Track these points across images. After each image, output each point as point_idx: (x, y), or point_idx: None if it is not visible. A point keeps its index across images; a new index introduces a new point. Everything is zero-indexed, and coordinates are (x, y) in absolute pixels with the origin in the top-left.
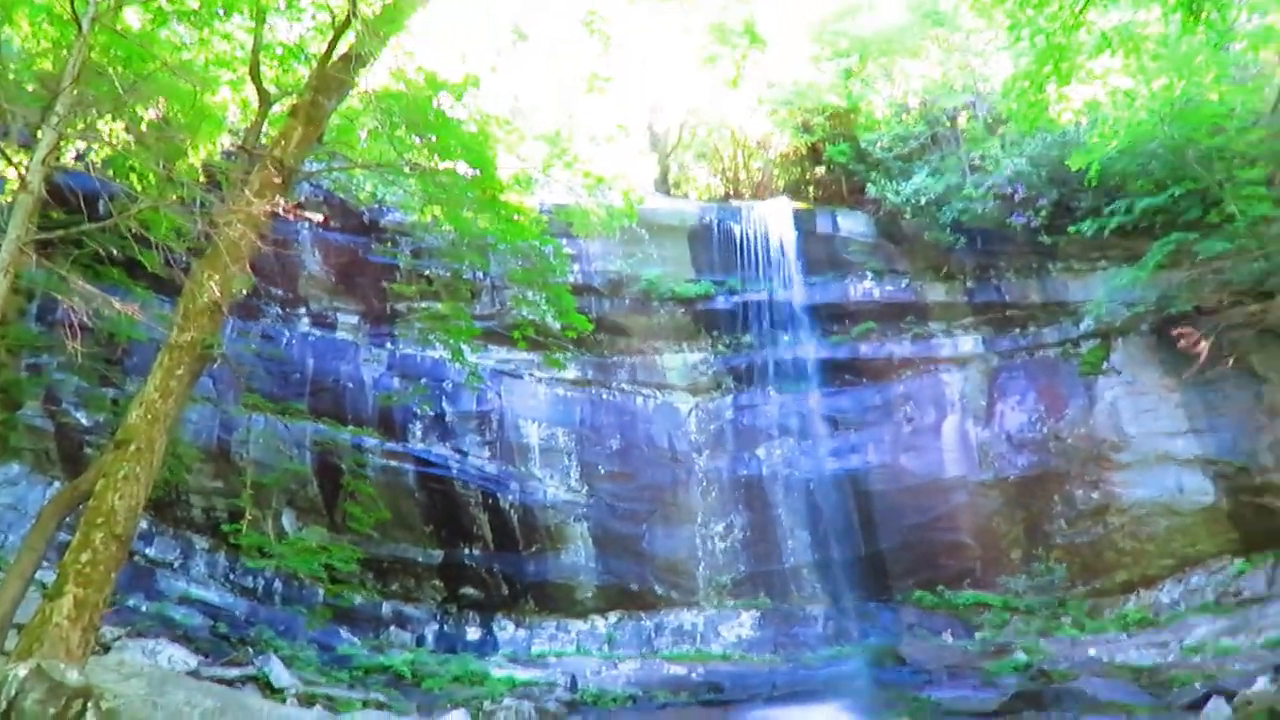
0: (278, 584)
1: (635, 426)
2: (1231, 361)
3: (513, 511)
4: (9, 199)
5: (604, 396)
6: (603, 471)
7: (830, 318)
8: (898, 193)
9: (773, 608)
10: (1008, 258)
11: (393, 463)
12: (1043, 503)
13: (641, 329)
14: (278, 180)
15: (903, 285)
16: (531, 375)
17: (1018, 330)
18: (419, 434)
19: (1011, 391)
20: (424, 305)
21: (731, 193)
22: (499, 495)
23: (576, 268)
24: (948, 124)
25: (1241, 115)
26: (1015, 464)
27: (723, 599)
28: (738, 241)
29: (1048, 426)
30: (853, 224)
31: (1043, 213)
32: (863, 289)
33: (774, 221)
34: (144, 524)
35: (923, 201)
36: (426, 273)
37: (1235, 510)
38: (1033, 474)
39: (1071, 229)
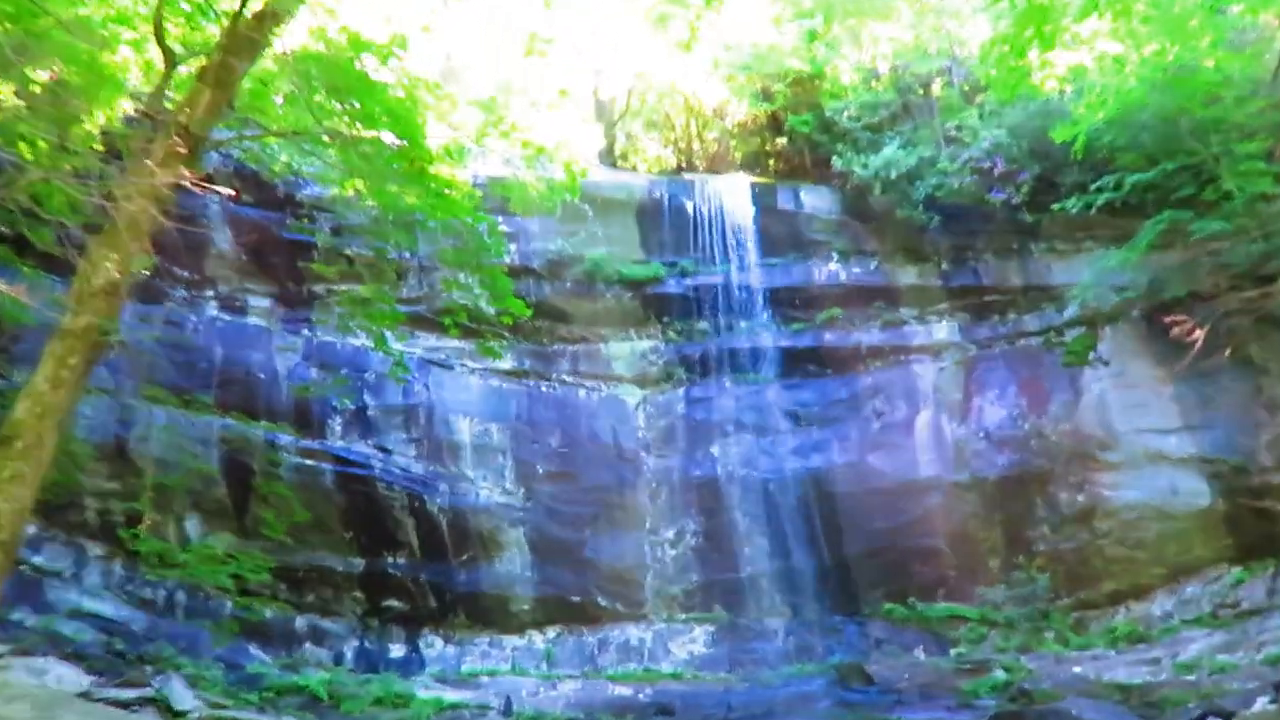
0: (180, 596)
1: (577, 422)
2: (1229, 352)
3: (441, 515)
4: None
5: (543, 389)
6: (541, 471)
7: (792, 303)
8: (866, 166)
9: (728, 621)
10: (986, 237)
11: (309, 461)
12: (1024, 506)
13: (585, 315)
14: (183, 149)
15: (871, 267)
16: (463, 365)
17: (997, 317)
18: (338, 430)
19: (990, 384)
20: (344, 288)
21: (684, 165)
22: (426, 498)
23: (513, 247)
24: (920, 92)
25: (1239, 84)
26: (994, 463)
27: (673, 612)
28: (691, 219)
29: (1029, 422)
30: (817, 200)
31: (1024, 189)
32: (827, 271)
33: (730, 197)
34: (31, 529)
35: (893, 176)
36: (347, 252)
37: (1232, 514)
38: (1013, 474)
39: (1055, 206)
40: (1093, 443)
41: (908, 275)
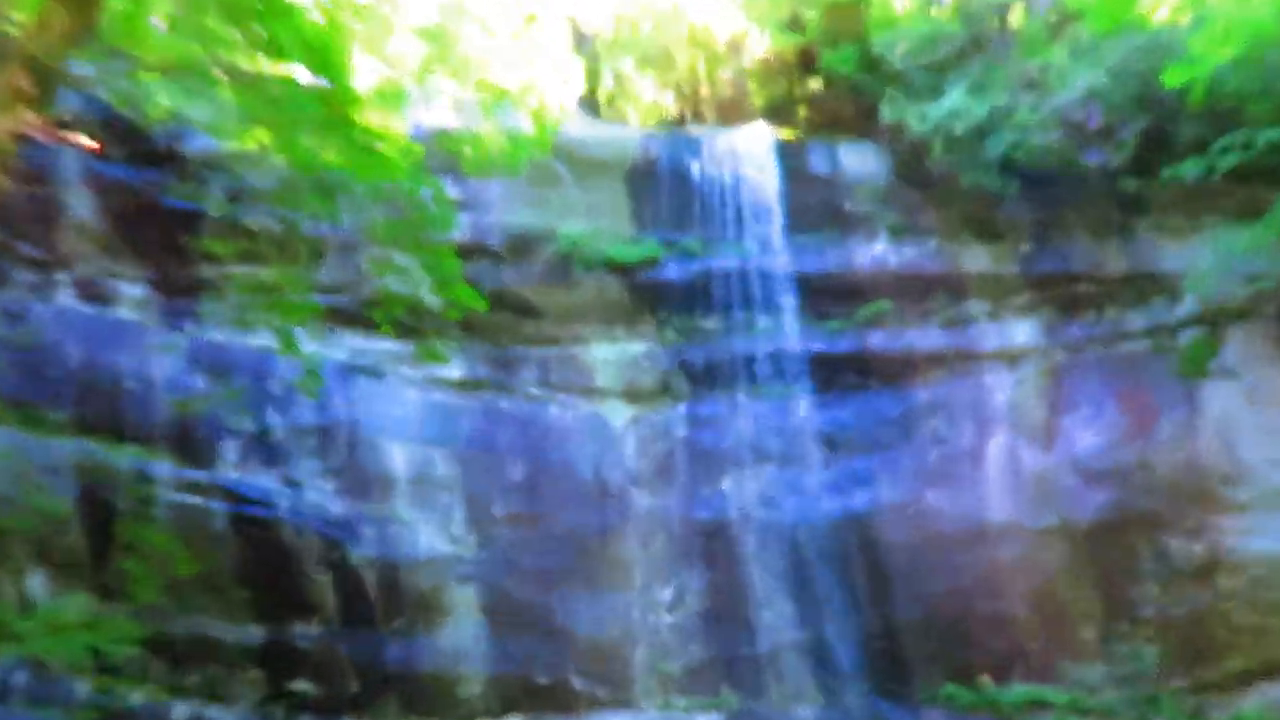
0: (20, 676)
1: (547, 448)
2: None
3: (368, 570)
4: None
5: (503, 405)
6: (500, 512)
7: (827, 294)
8: (924, 118)
9: (742, 709)
10: (1078, 211)
11: (194, 499)
12: (1125, 558)
13: (558, 308)
14: (30, 88)
15: (930, 249)
16: (398, 373)
17: (1091, 314)
18: (232, 457)
19: (1082, 400)
20: (243, 271)
21: (689, 115)
22: (348, 546)
23: (466, 219)
24: (995, 22)
25: None
26: (1087, 504)
27: (670, 696)
28: (697, 184)
29: (1133, 450)
30: (860, 161)
31: (1127, 148)
32: (874, 254)
33: (748, 156)
34: None
35: (959, 130)
36: (247, 224)
37: None
38: (1111, 517)
39: (1167, 171)
40: (1214, 476)
41: (976, 259)
